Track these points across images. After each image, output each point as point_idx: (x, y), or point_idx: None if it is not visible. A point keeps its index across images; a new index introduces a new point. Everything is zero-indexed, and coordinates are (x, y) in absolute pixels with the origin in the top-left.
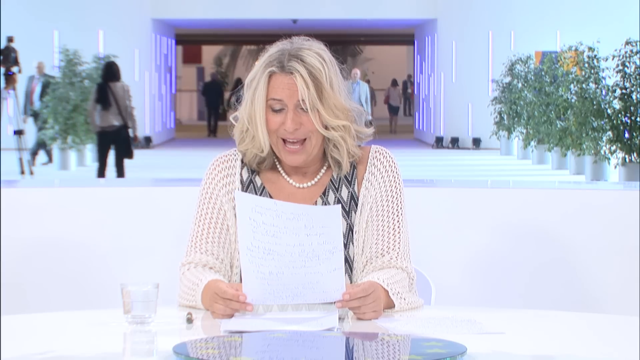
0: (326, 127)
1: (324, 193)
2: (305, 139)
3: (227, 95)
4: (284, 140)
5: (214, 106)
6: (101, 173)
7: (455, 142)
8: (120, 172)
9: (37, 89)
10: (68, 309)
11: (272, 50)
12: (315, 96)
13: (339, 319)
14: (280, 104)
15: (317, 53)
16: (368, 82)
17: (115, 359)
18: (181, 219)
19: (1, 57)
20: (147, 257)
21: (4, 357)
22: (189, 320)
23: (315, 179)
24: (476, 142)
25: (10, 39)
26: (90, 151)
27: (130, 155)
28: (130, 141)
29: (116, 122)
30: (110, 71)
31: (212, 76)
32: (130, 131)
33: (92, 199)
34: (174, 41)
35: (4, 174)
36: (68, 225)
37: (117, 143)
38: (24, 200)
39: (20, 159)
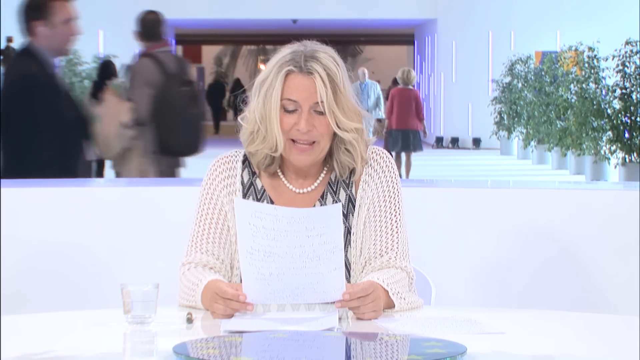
0: (339, 129)
1: (322, 196)
2: (314, 142)
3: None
4: (293, 141)
5: (218, 106)
6: (99, 173)
7: (455, 142)
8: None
9: None
10: (68, 309)
11: (285, 51)
12: (332, 98)
13: (339, 319)
14: (295, 104)
15: (331, 56)
16: (378, 82)
17: (115, 359)
18: (181, 219)
19: (1, 57)
20: (147, 257)
21: (4, 357)
22: (189, 320)
23: (315, 184)
24: (476, 142)
25: (10, 39)
26: None
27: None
28: None
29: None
30: (107, 70)
31: (216, 77)
32: None
33: (92, 199)
34: (174, 41)
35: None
36: (68, 225)
37: None
38: (24, 200)
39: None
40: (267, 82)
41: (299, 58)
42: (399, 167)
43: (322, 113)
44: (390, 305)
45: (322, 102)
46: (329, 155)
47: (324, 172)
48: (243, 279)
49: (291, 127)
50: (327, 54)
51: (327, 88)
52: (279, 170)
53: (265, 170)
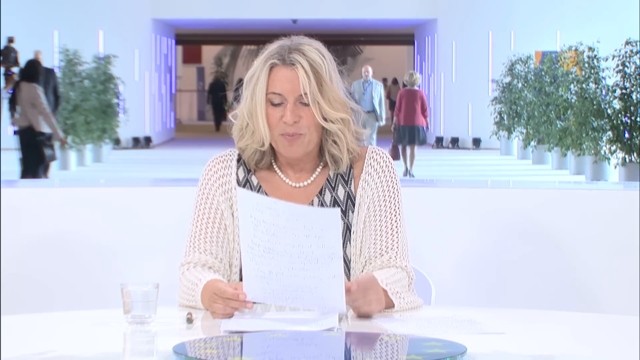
0: (325, 121)
1: (320, 192)
2: (301, 134)
3: (228, 94)
4: (283, 135)
5: (218, 104)
6: (24, 174)
7: (455, 142)
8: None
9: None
10: (68, 309)
11: (272, 46)
12: (316, 88)
13: (339, 319)
14: (280, 97)
15: (316, 49)
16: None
17: (115, 359)
18: (181, 219)
19: (1, 57)
20: (147, 257)
21: (4, 357)
22: (189, 320)
23: (312, 178)
24: (476, 142)
25: (10, 40)
26: (90, 151)
27: (42, 159)
28: (42, 145)
29: (21, 123)
30: (23, 70)
31: (216, 77)
32: (50, 136)
33: (92, 199)
34: (174, 41)
35: (4, 174)
36: (68, 225)
37: (29, 145)
38: (24, 200)
39: (21, 159)
40: (254, 77)
41: (284, 51)
42: (404, 160)
43: (307, 104)
44: (389, 305)
45: (305, 93)
46: (324, 149)
47: (321, 166)
48: (244, 275)
49: (278, 120)
50: (312, 47)
51: (310, 79)
52: (275, 165)
53: (257, 166)
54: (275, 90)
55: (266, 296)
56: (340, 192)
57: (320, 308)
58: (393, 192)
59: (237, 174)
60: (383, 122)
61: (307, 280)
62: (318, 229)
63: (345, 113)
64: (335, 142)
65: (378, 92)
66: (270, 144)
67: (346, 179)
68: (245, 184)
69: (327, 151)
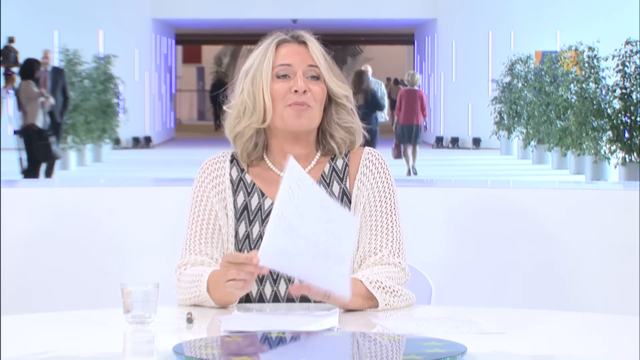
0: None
1: None
2: (310, 107)
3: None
4: (291, 105)
5: (220, 104)
6: (27, 174)
7: (455, 142)
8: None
9: (48, 83)
10: (68, 309)
11: (267, 38)
12: (325, 64)
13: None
14: (287, 69)
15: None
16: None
17: (115, 359)
18: (181, 219)
19: (1, 58)
20: (147, 257)
21: (4, 357)
22: (189, 320)
23: (306, 170)
24: (476, 142)
25: (10, 40)
26: (90, 151)
27: (40, 158)
28: (35, 142)
29: (21, 121)
30: (21, 69)
31: (218, 77)
32: (48, 134)
33: (92, 199)
34: (174, 41)
35: (4, 174)
36: (68, 225)
37: (30, 145)
38: (24, 200)
39: (20, 159)
40: (255, 63)
41: (287, 33)
42: (406, 159)
43: (315, 78)
44: (372, 297)
45: (314, 66)
46: (319, 141)
47: (315, 159)
48: (263, 242)
49: (286, 91)
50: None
51: (320, 53)
52: (267, 160)
53: (250, 156)
54: (283, 62)
55: (279, 265)
56: (335, 188)
57: (325, 286)
58: (388, 192)
59: (230, 174)
60: (387, 118)
61: (317, 269)
62: (338, 229)
63: (347, 91)
64: (339, 124)
65: (378, 90)
66: (267, 141)
67: (341, 175)
68: (239, 182)
69: (327, 134)
